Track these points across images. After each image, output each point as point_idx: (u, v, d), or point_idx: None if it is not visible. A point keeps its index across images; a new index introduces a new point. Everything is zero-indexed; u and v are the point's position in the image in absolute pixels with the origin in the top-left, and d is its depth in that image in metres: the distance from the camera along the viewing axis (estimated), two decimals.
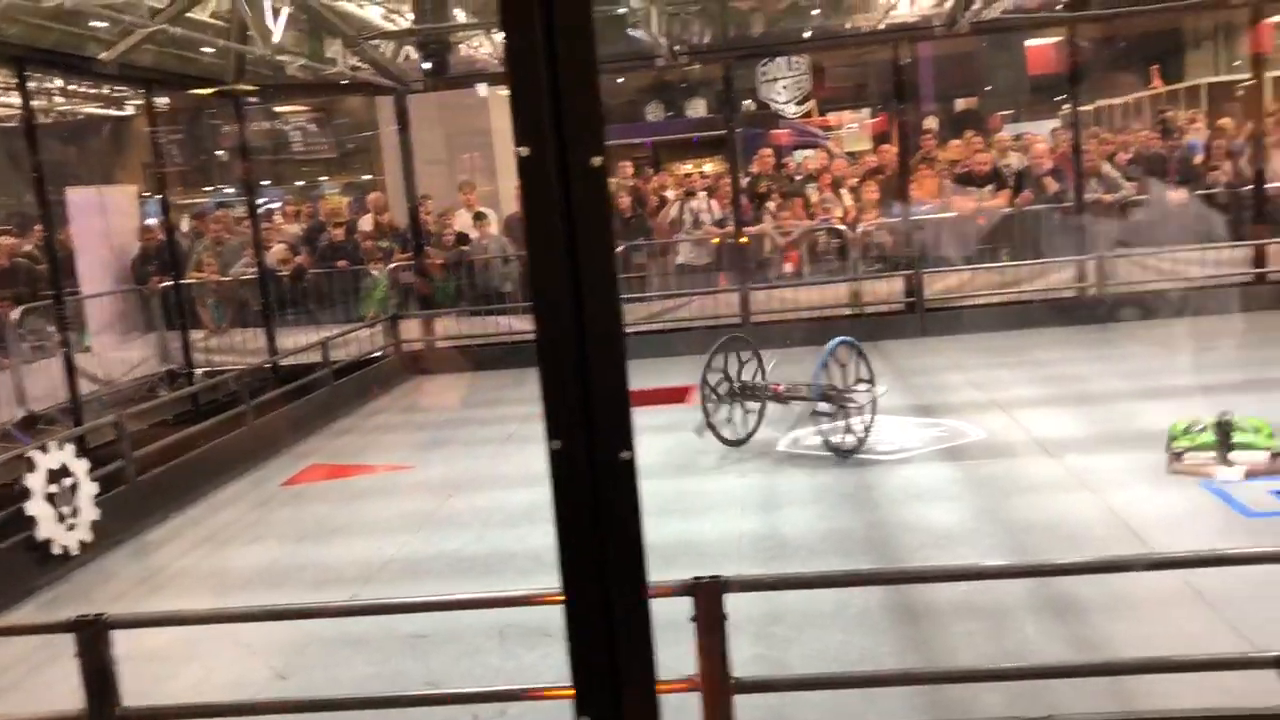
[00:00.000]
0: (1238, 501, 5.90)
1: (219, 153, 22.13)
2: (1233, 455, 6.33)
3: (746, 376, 8.13)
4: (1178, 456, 6.51)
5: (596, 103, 1.62)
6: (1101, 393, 8.73)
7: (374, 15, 13.40)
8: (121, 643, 3.71)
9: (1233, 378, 8.79)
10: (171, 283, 12.42)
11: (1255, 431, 6.47)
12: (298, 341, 12.03)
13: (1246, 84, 13.19)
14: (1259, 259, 11.91)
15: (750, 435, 8.10)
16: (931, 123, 15.50)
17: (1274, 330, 10.66)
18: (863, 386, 7.65)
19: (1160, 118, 14.43)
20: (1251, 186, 11.93)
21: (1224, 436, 6.35)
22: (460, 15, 14.10)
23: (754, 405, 8.13)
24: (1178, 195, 12.07)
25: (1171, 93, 19.71)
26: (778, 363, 8.39)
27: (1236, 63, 18.80)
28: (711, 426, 7.85)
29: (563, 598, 1.70)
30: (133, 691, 3.76)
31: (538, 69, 1.56)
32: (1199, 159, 12.54)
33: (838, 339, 7.75)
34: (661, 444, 8.19)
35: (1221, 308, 11.52)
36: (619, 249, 12.60)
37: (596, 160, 1.61)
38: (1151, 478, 6.48)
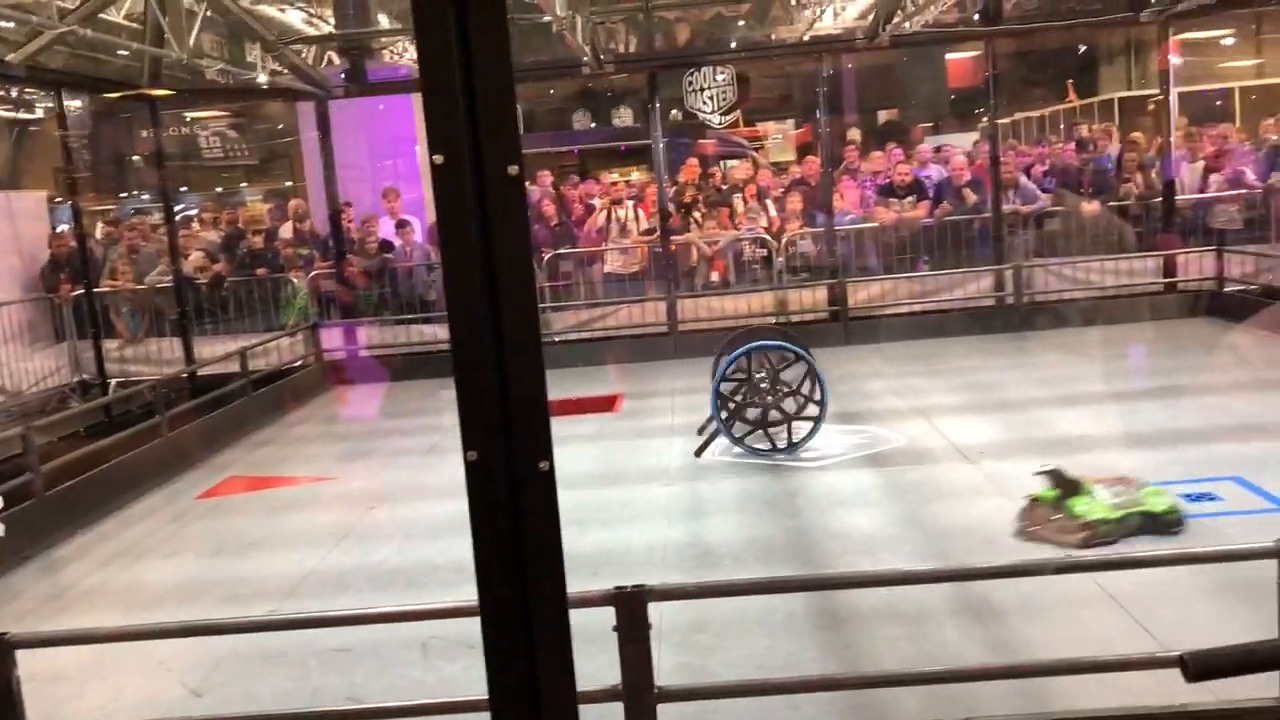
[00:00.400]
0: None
1: (134, 158, 21.63)
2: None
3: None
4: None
5: (513, 110, 1.61)
6: (1018, 400, 8.92)
7: (295, 20, 13.22)
8: (26, 662, 3.59)
9: (1143, 385, 9.06)
10: (84, 290, 12.09)
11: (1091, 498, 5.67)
12: (216, 351, 11.79)
13: (1156, 99, 13.60)
14: (1169, 269, 12.28)
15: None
16: (855, 134, 15.72)
17: (1183, 339, 11.00)
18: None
19: (1074, 132, 14.80)
20: (1161, 199, 12.31)
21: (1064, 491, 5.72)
22: (383, 21, 13.97)
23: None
24: (1091, 207, 12.41)
25: (1085, 107, 20.27)
26: None
27: (1142, 81, 19.40)
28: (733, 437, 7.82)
29: (479, 609, 1.69)
30: (37, 713, 3.64)
31: (452, 75, 1.55)
32: (1111, 172, 12.90)
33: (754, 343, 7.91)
34: (588, 453, 8.18)
35: (1133, 316, 11.87)
36: (546, 257, 12.57)
37: (513, 169, 1.59)
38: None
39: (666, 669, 4.31)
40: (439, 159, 1.58)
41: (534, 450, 1.65)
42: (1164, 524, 5.56)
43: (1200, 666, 1.60)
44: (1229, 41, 20.07)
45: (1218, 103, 18.43)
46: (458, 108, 1.56)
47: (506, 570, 1.69)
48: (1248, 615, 4.21)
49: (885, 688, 4.10)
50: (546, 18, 9.83)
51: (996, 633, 4.66)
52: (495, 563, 1.69)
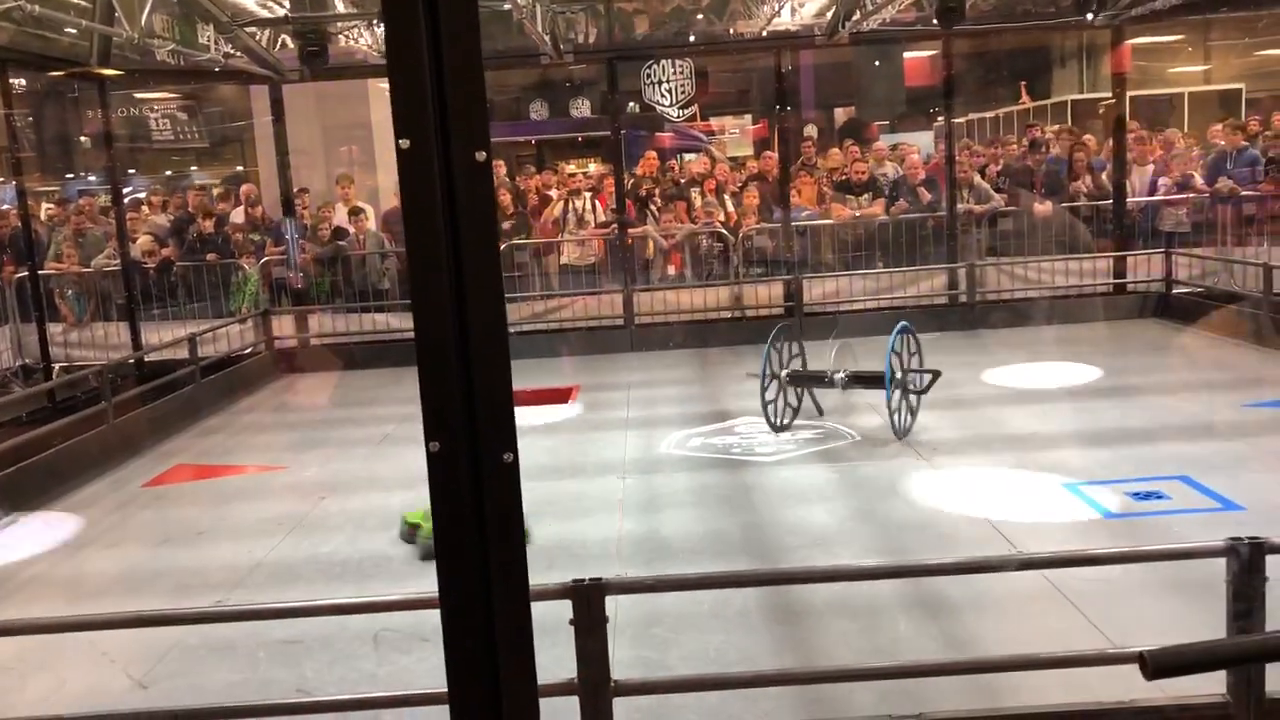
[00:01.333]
0: (1098, 503, 6.14)
1: (82, 139, 21.19)
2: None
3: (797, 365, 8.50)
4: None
5: (481, 95, 1.57)
6: (971, 397, 9.00)
7: (249, 1, 13.00)
8: None
9: (1092, 384, 9.18)
10: (28, 273, 11.83)
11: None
12: (163, 337, 11.59)
13: (1107, 102, 13.80)
14: (1118, 271, 12.46)
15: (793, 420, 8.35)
16: (812, 130, 15.79)
17: (1132, 339, 11.17)
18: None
19: (1027, 133, 14.97)
20: (1111, 200, 12.48)
21: None
22: (339, 4, 13.78)
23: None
24: (1043, 207, 12.56)
25: (1039, 108, 20.51)
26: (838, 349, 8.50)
27: (1094, 84, 19.67)
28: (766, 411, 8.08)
29: (440, 601, 1.66)
30: None
31: (420, 58, 1.51)
32: (1063, 173, 13.06)
33: (903, 324, 8.18)
34: (543, 445, 8.15)
35: (1084, 316, 12.04)
36: (501, 247, 12.49)
37: (481, 155, 1.56)
38: (1017, 480, 6.70)
39: (623, 662, 4.30)
40: (405, 144, 1.54)
41: (498, 442, 1.62)
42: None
43: (1160, 664, 1.60)
44: (1180, 47, 20.42)
45: (1168, 107, 18.72)
46: (425, 91, 1.52)
47: (468, 563, 1.66)
48: (1197, 613, 4.27)
49: (840, 682, 4.11)
50: (506, 6, 9.75)
51: (949, 628, 4.70)
52: (457, 554, 1.66)
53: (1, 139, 13.50)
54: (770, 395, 8.14)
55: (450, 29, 1.52)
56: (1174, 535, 5.52)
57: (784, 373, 8.31)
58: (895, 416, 7.74)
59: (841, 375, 8.15)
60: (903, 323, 8.19)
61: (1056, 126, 17.04)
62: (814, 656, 4.57)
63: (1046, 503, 6.25)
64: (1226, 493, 6.14)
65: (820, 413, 8.61)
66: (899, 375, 7.81)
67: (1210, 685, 3.45)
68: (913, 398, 7.99)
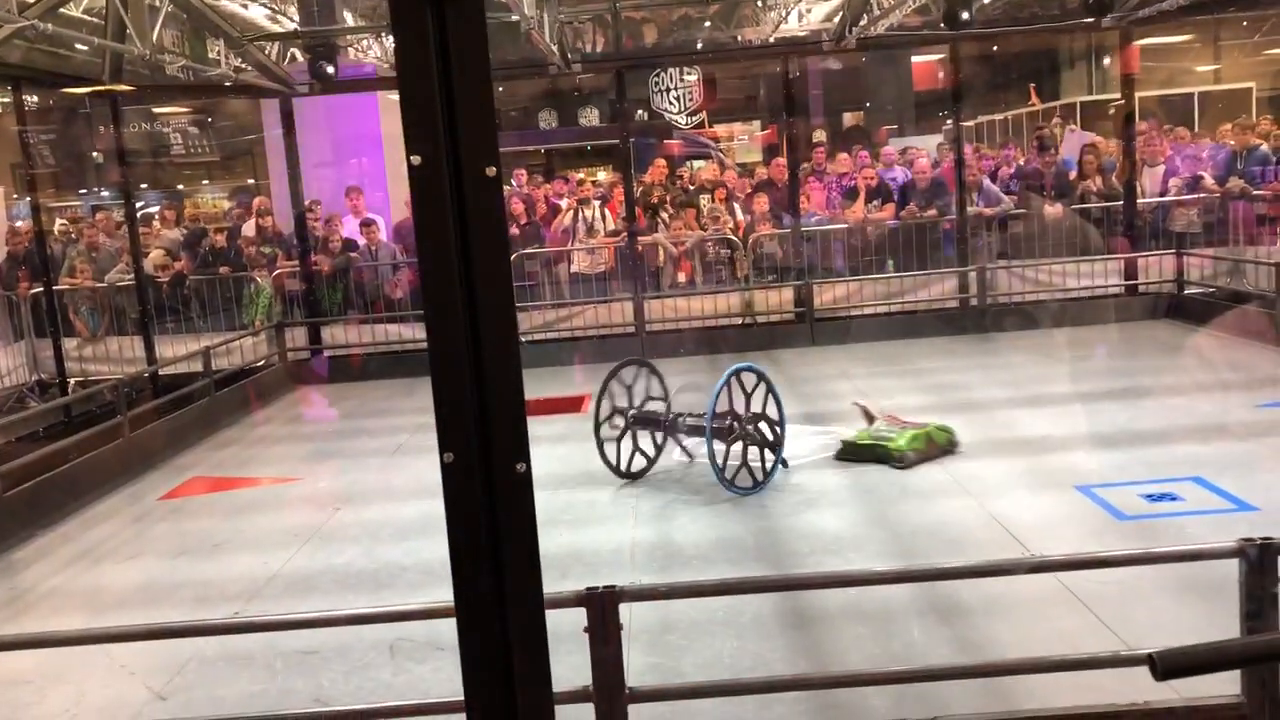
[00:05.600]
0: (1111, 505, 6.13)
1: (95, 154, 21.34)
2: None
3: (648, 404, 7.53)
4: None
5: (491, 110, 1.60)
6: (983, 400, 8.99)
7: (258, 16, 13.09)
8: None
9: (1105, 386, 9.16)
10: (42, 288, 11.92)
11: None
12: (177, 350, 11.66)
13: (1116, 103, 13.78)
14: (1130, 272, 12.44)
15: (647, 469, 7.54)
16: (821, 135, 15.80)
17: (1142, 340, 11.15)
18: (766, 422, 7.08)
19: (1037, 134, 14.96)
20: (1121, 202, 12.46)
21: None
22: (349, 18, 13.87)
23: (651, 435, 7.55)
24: (1053, 210, 12.54)
25: (1048, 110, 20.49)
26: (680, 389, 7.69)
27: (1103, 85, 19.65)
28: (604, 456, 7.38)
29: (455, 611, 1.68)
30: None
31: (430, 75, 1.54)
32: (1073, 175, 13.05)
33: (738, 365, 7.13)
34: (555, 453, 8.16)
35: (1095, 318, 12.02)
36: (511, 256, 12.51)
37: (491, 169, 1.59)
38: (1030, 483, 6.70)
39: (637, 669, 4.32)
40: (416, 159, 1.57)
41: (511, 452, 1.64)
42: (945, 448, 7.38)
43: (1169, 665, 1.61)
44: (1189, 47, 20.38)
45: (1178, 107, 18.69)
46: (436, 108, 1.55)
47: (483, 572, 1.68)
48: (1210, 614, 4.27)
49: (854, 687, 4.12)
50: (514, 16, 9.78)
51: (963, 632, 4.70)
52: (471, 564, 1.68)
53: (16, 155, 13.60)
54: (609, 434, 7.39)
55: (459, 47, 1.55)
56: (1187, 536, 5.51)
57: (631, 412, 7.42)
58: (719, 461, 6.78)
59: (684, 418, 7.28)
60: (745, 364, 7.18)
61: (1065, 123, 17.03)
62: (828, 661, 4.58)
63: (1059, 505, 6.25)
64: (1240, 494, 6.13)
65: (690, 458, 7.61)
66: (731, 423, 6.88)
67: (1224, 686, 3.44)
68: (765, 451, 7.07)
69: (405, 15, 1.53)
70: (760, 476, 6.98)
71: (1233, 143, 12.75)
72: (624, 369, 7.57)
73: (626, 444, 7.45)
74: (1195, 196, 12.36)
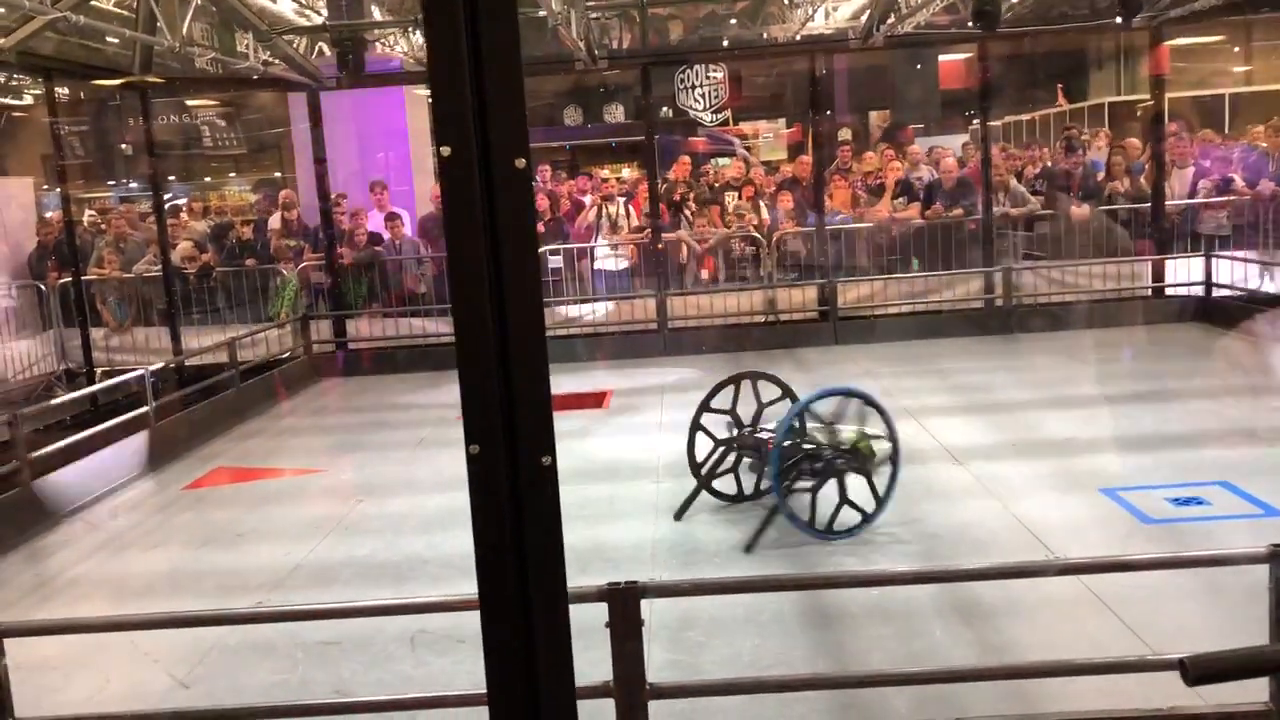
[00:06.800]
0: (1137, 509, 6.08)
1: (123, 146, 21.53)
2: None
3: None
4: None
5: (521, 103, 1.60)
6: (1007, 402, 8.94)
7: (286, 10, 13.15)
8: (13, 651, 3.57)
9: (1131, 389, 9.09)
10: (71, 279, 12.03)
11: None
12: (203, 341, 11.74)
13: (1145, 104, 13.66)
14: (1158, 274, 12.33)
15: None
16: (847, 134, 15.75)
17: (1170, 343, 11.05)
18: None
19: (1065, 135, 14.86)
20: (1149, 204, 12.35)
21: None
22: (376, 12, 13.92)
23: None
24: (1080, 211, 12.45)
25: (1076, 111, 20.34)
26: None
27: (1131, 86, 19.47)
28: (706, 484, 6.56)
29: (479, 604, 1.68)
30: (24, 701, 3.62)
31: (461, 67, 1.54)
32: (1100, 176, 12.95)
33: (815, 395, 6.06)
34: (577, 449, 8.17)
35: (1122, 320, 11.92)
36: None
37: (520, 162, 1.59)
38: (1054, 485, 6.65)
39: (657, 665, 4.32)
40: (446, 151, 1.57)
41: (536, 445, 1.64)
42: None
43: (1200, 670, 1.60)
44: (1221, 48, 20.18)
45: (1209, 109, 18.52)
46: (466, 100, 1.55)
47: (507, 565, 1.68)
48: (1239, 620, 4.23)
49: (875, 687, 4.10)
50: (541, 12, 9.79)
51: (985, 634, 4.67)
52: (496, 557, 1.68)
53: (47, 147, 13.72)
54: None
55: (490, 40, 1.55)
56: (1215, 541, 5.45)
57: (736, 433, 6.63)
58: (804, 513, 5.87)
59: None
60: (824, 392, 6.12)
61: (1092, 131, 16.89)
62: (848, 661, 4.56)
63: (1083, 508, 6.19)
64: (1269, 499, 6.06)
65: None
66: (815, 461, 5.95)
67: (1253, 693, 3.41)
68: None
69: (438, 7, 1.53)
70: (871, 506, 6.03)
71: (1265, 145, 12.62)
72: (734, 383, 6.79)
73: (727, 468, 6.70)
74: (1224, 199, 12.24)
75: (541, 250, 12.58)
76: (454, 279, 1.61)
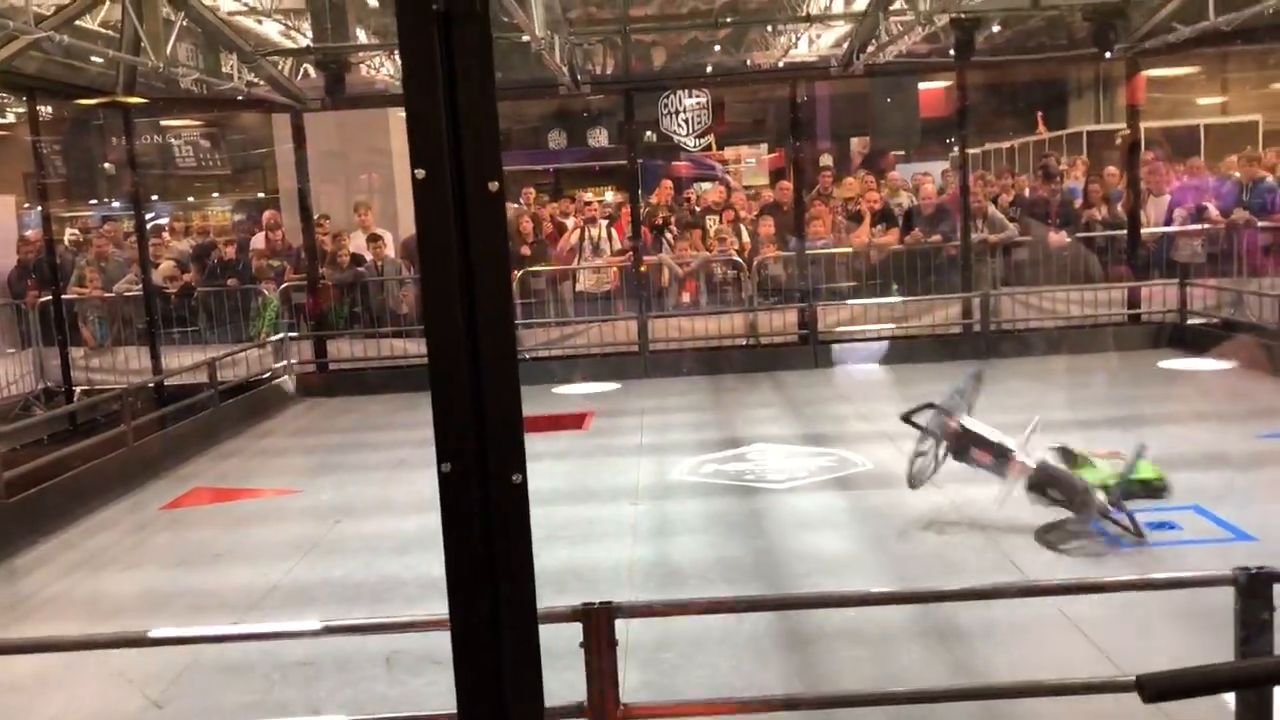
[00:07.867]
0: (1108, 533, 6.13)
1: (106, 165, 21.49)
2: None
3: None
4: None
5: (495, 126, 1.63)
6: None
7: (272, 31, 13.21)
8: None
9: (1104, 414, 9.16)
10: (51, 297, 11.99)
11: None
12: (184, 361, 11.71)
13: (1123, 133, 13.84)
14: (1132, 301, 12.46)
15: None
16: (828, 160, 15.89)
17: (1145, 369, 11.15)
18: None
19: (1042, 162, 15.03)
20: (1125, 231, 12.50)
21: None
22: (361, 35, 13.99)
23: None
24: (1057, 237, 12.58)
25: (1054, 139, 20.55)
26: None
27: (1109, 115, 19.70)
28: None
29: (449, 621, 1.70)
30: None
31: (435, 90, 1.57)
32: (1078, 203, 13.09)
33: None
34: (556, 469, 8.19)
35: (1097, 346, 12.04)
36: (518, 274, 12.58)
37: (494, 185, 1.62)
38: (1028, 508, 6.69)
39: (631, 686, 4.32)
40: (420, 173, 1.60)
41: (507, 463, 1.67)
42: (1153, 490, 6.24)
43: (1156, 688, 1.64)
44: (1196, 79, 20.46)
45: (1184, 139, 18.74)
46: (440, 123, 1.59)
47: (477, 582, 1.70)
48: (1207, 642, 4.27)
49: (850, 707, 4.12)
50: (525, 37, 9.87)
51: (960, 655, 4.70)
52: (466, 574, 1.70)
53: (28, 165, 13.69)
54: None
55: (464, 64, 1.58)
56: (1185, 564, 5.50)
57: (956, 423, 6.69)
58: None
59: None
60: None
61: (1070, 159, 17.09)
62: (823, 682, 4.58)
63: None
64: (1239, 523, 6.13)
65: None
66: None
67: (1219, 714, 3.45)
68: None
69: (412, 32, 1.57)
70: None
71: (1238, 174, 12.80)
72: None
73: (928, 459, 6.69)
74: (1199, 227, 12.39)
75: (523, 272, 12.62)
76: (427, 299, 1.64)
